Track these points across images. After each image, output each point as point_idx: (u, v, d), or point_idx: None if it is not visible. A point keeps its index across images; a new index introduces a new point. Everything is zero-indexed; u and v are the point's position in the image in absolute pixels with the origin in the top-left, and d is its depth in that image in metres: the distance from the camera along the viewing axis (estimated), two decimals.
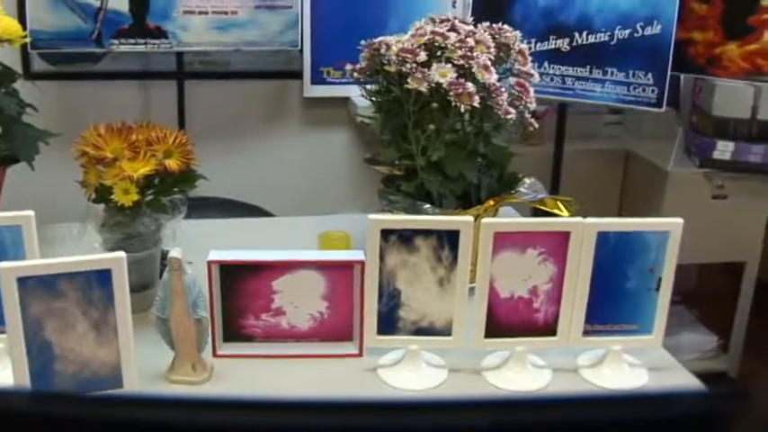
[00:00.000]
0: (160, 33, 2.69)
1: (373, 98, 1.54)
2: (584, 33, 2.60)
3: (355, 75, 1.55)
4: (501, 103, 1.48)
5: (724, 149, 3.08)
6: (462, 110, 1.44)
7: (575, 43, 2.61)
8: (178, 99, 2.88)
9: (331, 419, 0.56)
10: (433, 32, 1.49)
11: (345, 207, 3.08)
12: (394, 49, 1.46)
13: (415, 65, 1.44)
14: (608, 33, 2.58)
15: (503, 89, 1.50)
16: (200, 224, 1.96)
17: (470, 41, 1.49)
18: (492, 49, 1.52)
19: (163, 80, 2.94)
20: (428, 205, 1.52)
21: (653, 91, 2.58)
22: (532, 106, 1.57)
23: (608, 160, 3.30)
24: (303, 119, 3.14)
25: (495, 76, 1.47)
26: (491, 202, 1.56)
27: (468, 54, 1.47)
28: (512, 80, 1.57)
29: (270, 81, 3.09)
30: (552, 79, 2.63)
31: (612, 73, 2.59)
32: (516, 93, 1.55)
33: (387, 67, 1.47)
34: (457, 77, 1.45)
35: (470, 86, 1.44)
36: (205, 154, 2.98)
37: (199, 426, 0.55)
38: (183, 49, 2.74)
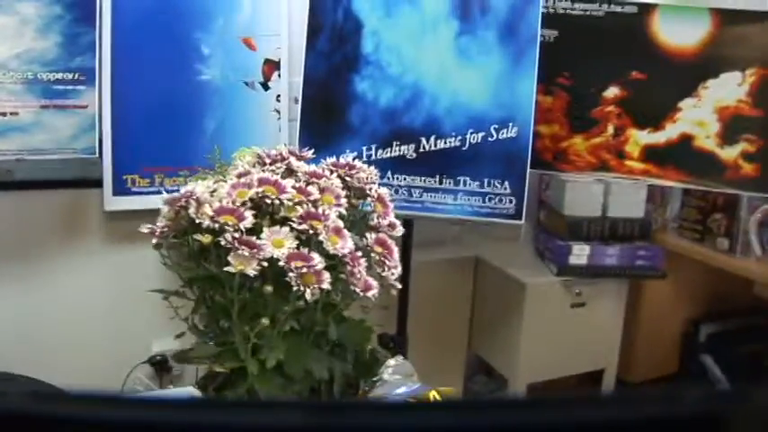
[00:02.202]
0: None
1: (181, 273, 1.10)
2: (432, 138, 2.27)
3: (154, 241, 1.11)
4: (359, 275, 1.09)
5: (580, 253, 2.84)
6: (309, 296, 1.03)
7: (422, 149, 2.27)
8: None
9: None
10: (261, 182, 1.09)
11: (160, 338, 2.59)
12: (207, 210, 1.04)
13: (238, 234, 1.02)
14: (459, 138, 2.26)
15: (359, 255, 1.11)
16: None
17: (314, 192, 1.10)
18: (342, 200, 1.14)
19: None
20: None
21: (510, 201, 2.28)
22: (398, 271, 1.18)
23: (457, 269, 2.98)
24: (105, 236, 2.61)
25: (349, 243, 1.08)
26: None
27: (312, 212, 1.07)
28: (370, 238, 1.17)
29: (63, 191, 2.55)
30: (397, 191, 2.28)
31: (465, 182, 2.27)
32: (377, 256, 1.16)
33: (198, 236, 1.04)
34: (297, 246, 1.05)
35: (317, 260, 1.04)
36: None
37: (199, 426, 0.52)
38: None
